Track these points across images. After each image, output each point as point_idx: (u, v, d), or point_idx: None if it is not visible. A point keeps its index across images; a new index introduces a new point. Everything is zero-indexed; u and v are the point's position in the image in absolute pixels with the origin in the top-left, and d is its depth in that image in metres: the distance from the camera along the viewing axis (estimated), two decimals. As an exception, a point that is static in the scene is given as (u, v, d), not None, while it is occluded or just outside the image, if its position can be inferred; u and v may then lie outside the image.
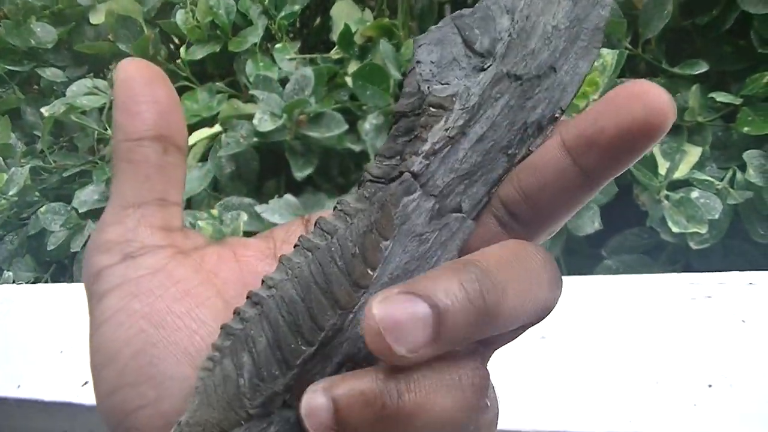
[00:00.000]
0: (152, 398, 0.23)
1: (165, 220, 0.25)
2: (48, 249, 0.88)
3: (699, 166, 0.66)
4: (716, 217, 0.60)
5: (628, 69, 0.70)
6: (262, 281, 0.23)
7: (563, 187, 0.22)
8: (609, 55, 0.61)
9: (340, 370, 0.22)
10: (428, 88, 0.23)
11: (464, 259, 0.21)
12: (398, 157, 0.23)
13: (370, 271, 0.22)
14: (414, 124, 0.23)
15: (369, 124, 0.79)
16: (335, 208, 0.24)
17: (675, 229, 0.60)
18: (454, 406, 0.20)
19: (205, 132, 0.85)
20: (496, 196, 0.23)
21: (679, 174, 0.65)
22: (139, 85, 0.24)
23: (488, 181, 0.23)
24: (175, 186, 0.25)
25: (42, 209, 0.89)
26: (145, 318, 0.23)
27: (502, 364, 0.35)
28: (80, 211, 0.88)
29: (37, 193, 0.94)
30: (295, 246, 0.24)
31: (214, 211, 0.77)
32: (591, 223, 0.68)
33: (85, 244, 0.86)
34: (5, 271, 0.89)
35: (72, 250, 0.87)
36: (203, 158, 0.87)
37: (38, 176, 0.96)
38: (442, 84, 0.23)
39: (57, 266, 0.92)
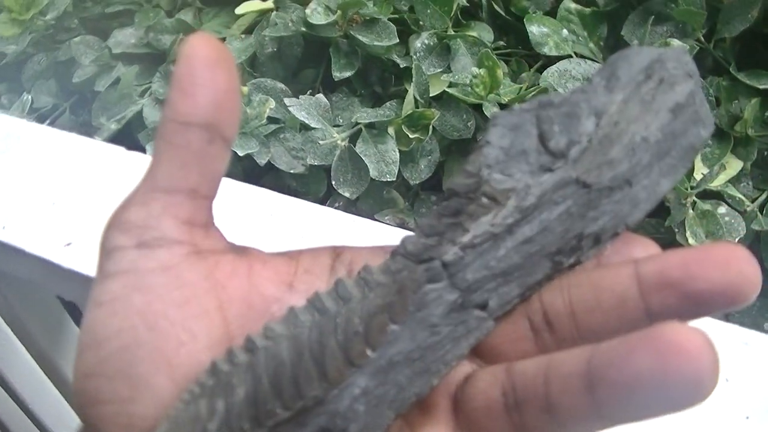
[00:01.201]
0: (123, 397, 0.23)
1: (191, 214, 0.24)
2: (73, 80, 0.89)
3: (735, 179, 0.66)
4: (735, 240, 0.60)
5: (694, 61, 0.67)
6: (264, 327, 0.23)
7: (618, 317, 0.21)
8: (679, 46, 0.59)
9: None
10: (488, 174, 0.23)
11: None
12: (437, 238, 0.23)
13: (369, 352, 0.22)
14: (463, 208, 0.23)
15: (421, 42, 0.77)
16: (359, 273, 0.23)
17: (691, 241, 0.60)
18: None
19: (256, 5, 0.84)
20: (538, 299, 0.23)
21: (714, 184, 0.65)
22: (201, 65, 0.23)
23: (524, 283, 0.23)
24: (210, 179, 0.24)
25: (76, 39, 0.89)
26: (141, 315, 0.23)
27: None
28: (114, 52, 0.88)
29: (76, 21, 0.94)
30: (307, 300, 0.23)
31: (245, 89, 0.77)
32: None
33: (111, 86, 0.87)
34: (25, 94, 0.90)
35: (96, 89, 0.88)
36: (248, 31, 0.86)
37: (82, 2, 0.95)
38: (504, 175, 0.22)
39: (78, 100, 0.93)
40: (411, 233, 0.24)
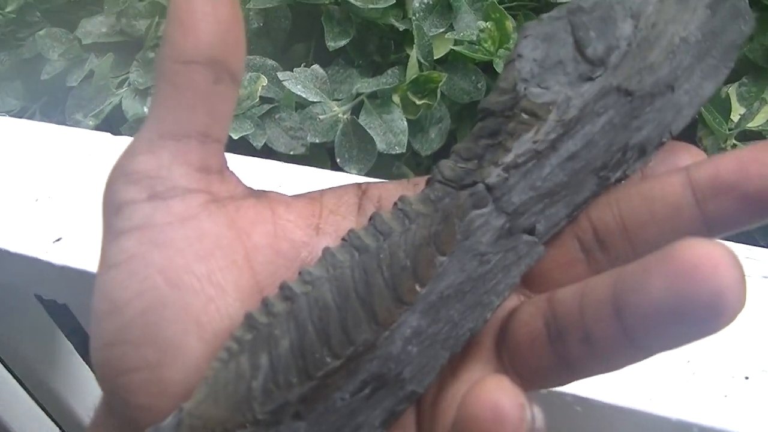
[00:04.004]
0: (152, 362, 0.22)
1: (204, 159, 0.24)
2: (41, 78, 0.86)
3: (777, 117, 0.63)
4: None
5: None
6: (299, 273, 0.23)
7: (674, 228, 0.21)
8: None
9: (363, 389, 0.21)
10: (525, 89, 0.23)
11: None
12: (476, 161, 0.23)
13: (418, 287, 0.21)
14: (501, 127, 0.23)
15: (419, 2, 0.75)
16: (395, 204, 0.23)
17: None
18: None
19: (235, -22, 0.80)
20: (586, 218, 0.23)
21: (753, 124, 0.63)
22: None
23: (571, 203, 0.23)
24: (220, 120, 0.24)
25: (41, 32, 0.86)
26: (162, 273, 0.22)
27: None
28: (83, 43, 0.85)
29: (38, 14, 0.91)
30: (342, 239, 0.23)
31: None
32: None
33: (84, 80, 0.84)
34: (-9, 96, 0.86)
35: (68, 84, 0.85)
36: (228, 8, 0.82)
37: (42, -6, 0.92)
38: (541, 88, 0.22)
39: (49, 99, 0.89)
40: (445, 160, 0.23)
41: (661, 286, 0.17)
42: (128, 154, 0.24)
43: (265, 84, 0.73)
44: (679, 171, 0.21)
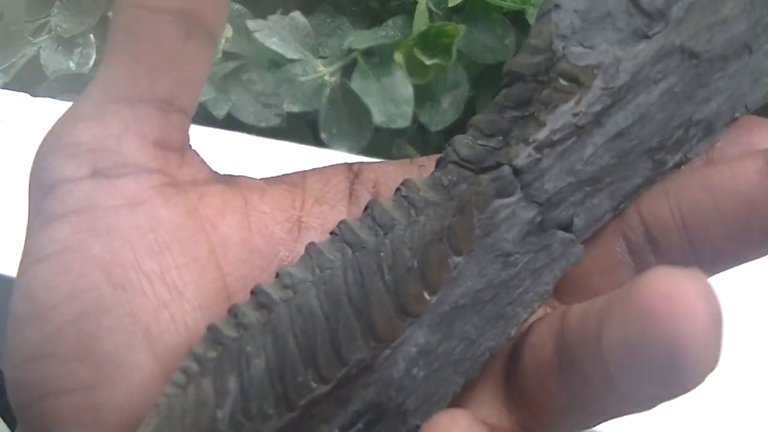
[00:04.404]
0: (85, 382, 0.21)
1: (163, 132, 0.23)
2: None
3: None
4: None
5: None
6: (277, 274, 0.22)
7: (746, 226, 0.20)
8: None
9: (356, 423, 0.20)
10: (563, 48, 0.21)
11: None
12: (501, 138, 0.22)
13: (427, 295, 0.20)
14: (533, 95, 0.22)
15: (430, -70, 0.70)
16: (398, 190, 0.22)
17: None
18: None
19: None
20: (636, 211, 0.22)
21: None
22: None
23: (618, 193, 0.22)
24: (188, 87, 0.23)
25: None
26: (104, 270, 0.21)
27: None
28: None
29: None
30: (331, 233, 0.22)
31: None
32: None
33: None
34: None
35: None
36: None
37: None
38: (584, 47, 0.21)
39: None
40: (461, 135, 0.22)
41: (617, 333, 0.17)
42: (66, 120, 0.23)
43: (229, 35, 0.66)
44: (755, 155, 0.20)
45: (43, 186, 0.22)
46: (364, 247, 0.21)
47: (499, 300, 0.21)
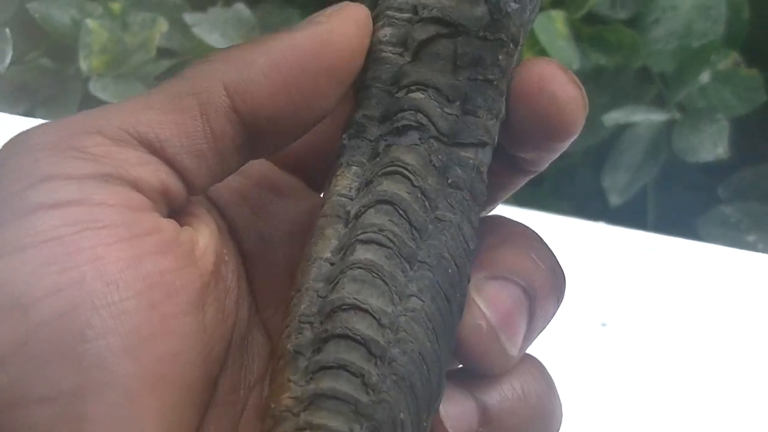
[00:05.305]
0: (66, 389, 0.19)
1: (166, 181, 0.22)
2: None
3: None
4: None
5: None
6: (345, 305, 0.21)
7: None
8: None
9: None
10: (505, 3, 0.22)
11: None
12: (460, 103, 0.22)
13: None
14: (481, 54, 0.22)
15: None
16: (398, 173, 0.22)
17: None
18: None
19: None
20: None
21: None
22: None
23: None
24: (209, 171, 0.22)
25: None
26: (95, 265, 0.20)
27: (555, 354, 0.32)
28: None
29: None
30: (372, 241, 0.21)
31: (116, 5, 0.69)
32: (712, 146, 0.60)
33: None
34: None
35: None
36: None
37: None
38: (516, 1, 0.22)
39: None
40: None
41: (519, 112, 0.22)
42: (75, 126, 0.22)
43: (164, 30, 0.67)
44: None
45: (28, 176, 0.22)
46: (424, 263, 0.21)
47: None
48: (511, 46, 0.22)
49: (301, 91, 0.23)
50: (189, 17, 0.63)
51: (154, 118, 0.22)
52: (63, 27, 0.63)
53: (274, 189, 0.26)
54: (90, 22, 0.65)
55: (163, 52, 0.66)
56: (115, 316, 0.21)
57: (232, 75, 0.22)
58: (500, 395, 0.23)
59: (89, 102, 0.63)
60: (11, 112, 0.62)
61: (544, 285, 0.22)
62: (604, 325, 0.51)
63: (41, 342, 0.20)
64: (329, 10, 0.24)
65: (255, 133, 0.23)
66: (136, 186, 0.22)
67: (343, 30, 0.23)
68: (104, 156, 0.22)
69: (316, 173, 0.27)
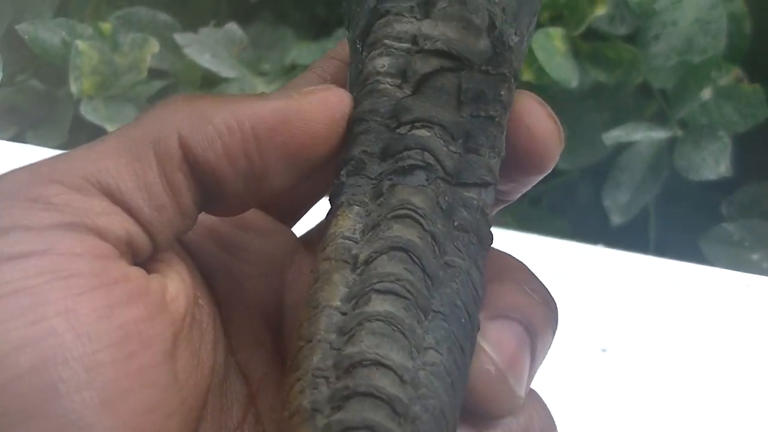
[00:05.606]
0: None
1: (131, 231, 0.22)
2: None
3: None
4: None
5: None
6: (364, 359, 0.20)
7: None
8: None
9: None
10: (508, 37, 0.21)
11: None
12: (462, 141, 0.21)
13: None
14: (483, 89, 0.21)
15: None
16: (409, 217, 0.21)
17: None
18: None
19: None
20: None
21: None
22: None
23: None
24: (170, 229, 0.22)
25: None
26: (66, 317, 0.20)
27: (555, 382, 0.33)
28: None
29: None
30: (388, 290, 0.21)
31: (106, 26, 0.68)
32: (714, 163, 0.60)
33: None
34: None
35: None
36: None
37: None
38: (517, 35, 0.22)
39: None
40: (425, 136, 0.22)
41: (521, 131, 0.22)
42: (38, 175, 0.22)
43: (156, 50, 0.67)
44: None
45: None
46: (438, 312, 0.21)
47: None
48: (513, 81, 0.21)
49: (258, 160, 0.22)
50: (180, 38, 0.63)
51: (113, 167, 0.22)
52: (53, 48, 0.63)
53: (243, 225, 0.26)
54: (80, 44, 0.65)
55: (154, 73, 0.66)
56: (89, 369, 0.20)
57: (186, 127, 0.22)
58: None
59: (80, 124, 0.63)
60: (0, 137, 0.62)
61: (541, 319, 0.22)
62: (604, 350, 0.52)
63: (12, 399, 0.20)
64: (309, 87, 0.23)
65: (210, 192, 0.22)
66: (101, 235, 0.22)
67: (309, 114, 0.22)
68: (67, 205, 0.22)
69: (285, 206, 0.26)
